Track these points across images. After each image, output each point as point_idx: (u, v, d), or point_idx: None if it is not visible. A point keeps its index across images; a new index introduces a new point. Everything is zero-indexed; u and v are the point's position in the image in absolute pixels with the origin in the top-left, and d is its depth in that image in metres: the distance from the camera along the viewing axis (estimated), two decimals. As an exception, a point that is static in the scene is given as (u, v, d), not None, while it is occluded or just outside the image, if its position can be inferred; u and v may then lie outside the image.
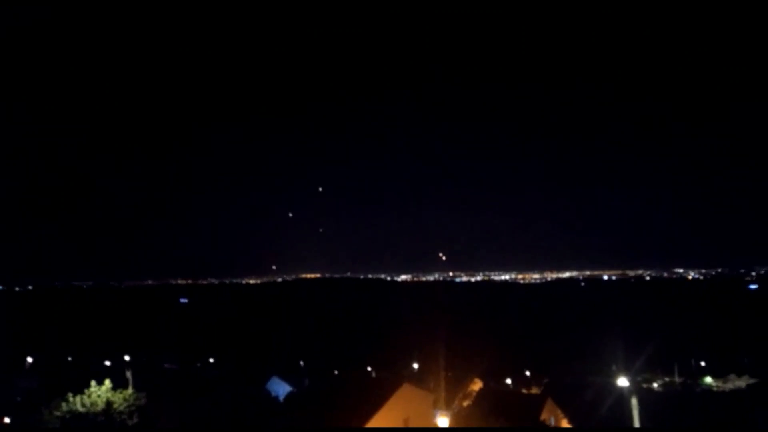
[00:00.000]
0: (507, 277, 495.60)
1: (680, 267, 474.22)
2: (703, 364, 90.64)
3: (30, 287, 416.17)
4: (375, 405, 36.32)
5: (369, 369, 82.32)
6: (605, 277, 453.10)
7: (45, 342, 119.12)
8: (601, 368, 75.90)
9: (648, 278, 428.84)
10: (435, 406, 48.13)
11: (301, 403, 44.74)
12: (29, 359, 79.64)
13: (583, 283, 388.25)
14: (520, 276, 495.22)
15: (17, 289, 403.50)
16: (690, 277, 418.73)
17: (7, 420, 47.28)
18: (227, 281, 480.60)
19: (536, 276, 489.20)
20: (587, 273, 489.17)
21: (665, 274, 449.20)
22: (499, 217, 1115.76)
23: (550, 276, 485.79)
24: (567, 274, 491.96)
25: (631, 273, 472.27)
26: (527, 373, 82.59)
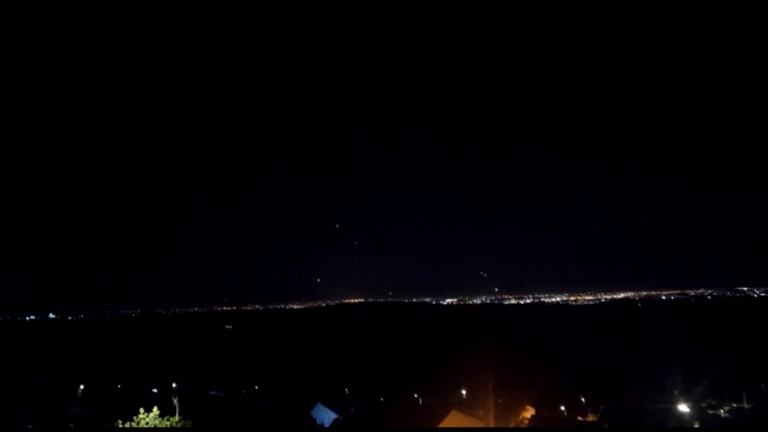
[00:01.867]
0: (558, 299, 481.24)
1: (744, 285, 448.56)
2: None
3: (81, 316, 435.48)
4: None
5: (416, 396, 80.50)
6: (663, 297, 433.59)
7: (96, 369, 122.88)
8: (662, 394, 71.81)
9: (710, 297, 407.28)
10: (485, 434, 46.19)
11: None
12: (81, 386, 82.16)
13: (639, 304, 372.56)
14: (572, 298, 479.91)
15: (70, 318, 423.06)
16: (756, 296, 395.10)
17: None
18: (271, 307, 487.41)
19: (589, 297, 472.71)
20: (644, 293, 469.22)
21: (728, 293, 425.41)
22: (549, 238, 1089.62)
23: (604, 297, 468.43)
24: (622, 295, 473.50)
25: (692, 292, 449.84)
26: (582, 399, 78.88)
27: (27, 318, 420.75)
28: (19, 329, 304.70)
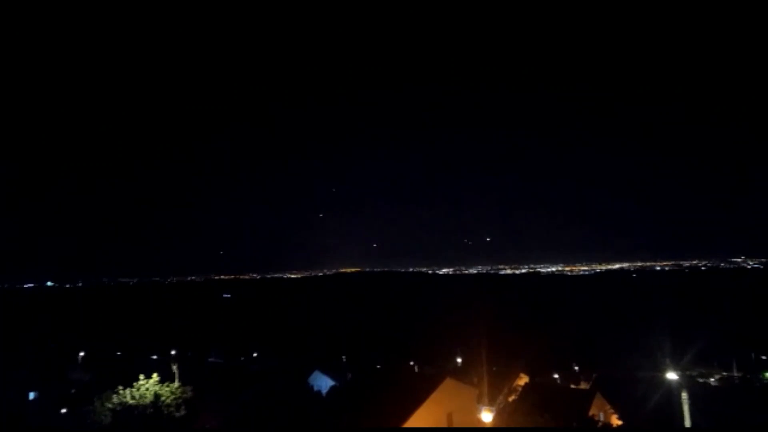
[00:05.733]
0: (554, 269, 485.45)
1: (738, 257, 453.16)
2: (764, 358, 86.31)
3: (80, 284, 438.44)
4: (418, 399, 35.71)
5: (411, 363, 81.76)
6: (658, 268, 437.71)
7: (95, 336, 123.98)
8: (653, 362, 73.10)
9: (704, 268, 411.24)
10: (479, 401, 47.11)
11: (344, 397, 44.56)
12: (81, 353, 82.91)
13: (634, 275, 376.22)
14: (567, 268, 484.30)
15: (68, 285, 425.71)
16: (749, 267, 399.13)
17: (63, 410, 49.27)
18: (269, 276, 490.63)
19: (584, 268, 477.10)
20: (639, 264, 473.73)
21: (722, 264, 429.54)
22: (545, 209, 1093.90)
23: (599, 268, 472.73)
24: (617, 266, 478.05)
25: (686, 263, 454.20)
26: (575, 367, 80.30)
27: (25, 286, 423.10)
28: (18, 296, 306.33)
